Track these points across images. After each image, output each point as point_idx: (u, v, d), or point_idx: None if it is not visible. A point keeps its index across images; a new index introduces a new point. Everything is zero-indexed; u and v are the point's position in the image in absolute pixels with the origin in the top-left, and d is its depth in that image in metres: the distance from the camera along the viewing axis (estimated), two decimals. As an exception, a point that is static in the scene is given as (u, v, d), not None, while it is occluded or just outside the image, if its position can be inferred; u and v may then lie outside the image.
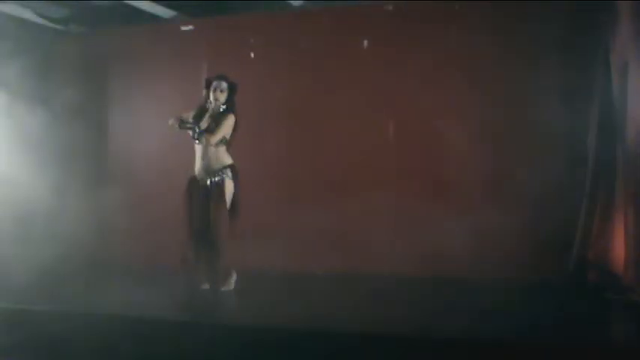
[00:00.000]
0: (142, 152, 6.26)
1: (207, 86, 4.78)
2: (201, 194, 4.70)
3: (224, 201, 4.65)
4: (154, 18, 6.31)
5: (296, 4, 6.02)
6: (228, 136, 4.71)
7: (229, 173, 4.68)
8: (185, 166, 5.95)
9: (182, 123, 4.70)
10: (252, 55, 5.99)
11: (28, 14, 6.21)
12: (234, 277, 4.80)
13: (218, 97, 4.72)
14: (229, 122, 4.68)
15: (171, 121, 4.72)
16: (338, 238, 5.52)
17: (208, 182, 4.68)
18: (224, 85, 4.74)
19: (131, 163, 6.29)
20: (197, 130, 4.64)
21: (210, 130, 4.64)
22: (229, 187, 4.68)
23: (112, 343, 3.85)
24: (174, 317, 4.08)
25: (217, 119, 4.69)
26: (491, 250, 5.22)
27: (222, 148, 4.71)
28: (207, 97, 4.78)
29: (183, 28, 6.23)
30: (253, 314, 4.26)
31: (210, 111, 4.77)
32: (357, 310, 4.31)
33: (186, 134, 4.75)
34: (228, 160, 4.72)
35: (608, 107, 4.91)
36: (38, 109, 5.98)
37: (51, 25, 6.50)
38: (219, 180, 4.67)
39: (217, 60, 6.07)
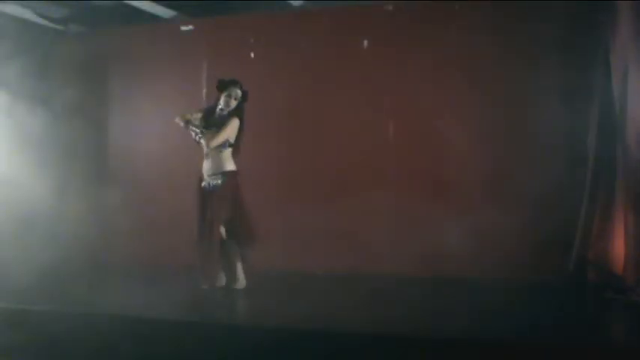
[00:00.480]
0: (143, 152, 6.25)
1: (221, 89, 4.72)
2: (204, 196, 4.72)
3: (222, 204, 4.63)
4: (154, 18, 6.31)
5: (296, 4, 6.02)
6: (232, 140, 4.69)
7: (225, 179, 4.66)
8: (186, 165, 5.95)
9: (188, 123, 4.68)
10: (252, 55, 5.98)
11: (28, 14, 6.21)
12: (240, 279, 4.79)
13: (230, 104, 4.69)
14: (232, 126, 4.66)
15: (177, 119, 4.71)
16: (339, 238, 5.52)
17: (211, 184, 4.68)
18: (239, 93, 4.71)
19: (131, 162, 6.29)
20: (200, 133, 4.63)
21: (213, 133, 4.63)
22: (225, 192, 4.65)
23: (118, 344, 3.83)
24: (180, 318, 4.05)
25: (222, 123, 4.67)
26: (491, 250, 5.21)
27: (226, 152, 4.69)
28: (218, 99, 4.74)
29: (183, 28, 6.23)
30: (261, 314, 4.25)
31: (216, 114, 4.74)
32: (359, 310, 4.31)
33: (188, 134, 4.75)
34: (229, 165, 4.70)
35: (608, 107, 4.91)
36: (38, 110, 5.97)
37: (51, 25, 6.50)
38: (216, 184, 4.66)
39: (217, 60, 6.07)
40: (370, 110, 5.70)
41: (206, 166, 4.72)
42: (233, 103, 4.70)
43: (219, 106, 4.72)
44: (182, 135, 5.90)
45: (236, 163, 4.74)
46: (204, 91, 6.11)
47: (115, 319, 3.97)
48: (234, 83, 4.72)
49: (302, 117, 5.87)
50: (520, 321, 3.91)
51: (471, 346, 3.47)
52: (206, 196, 4.71)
